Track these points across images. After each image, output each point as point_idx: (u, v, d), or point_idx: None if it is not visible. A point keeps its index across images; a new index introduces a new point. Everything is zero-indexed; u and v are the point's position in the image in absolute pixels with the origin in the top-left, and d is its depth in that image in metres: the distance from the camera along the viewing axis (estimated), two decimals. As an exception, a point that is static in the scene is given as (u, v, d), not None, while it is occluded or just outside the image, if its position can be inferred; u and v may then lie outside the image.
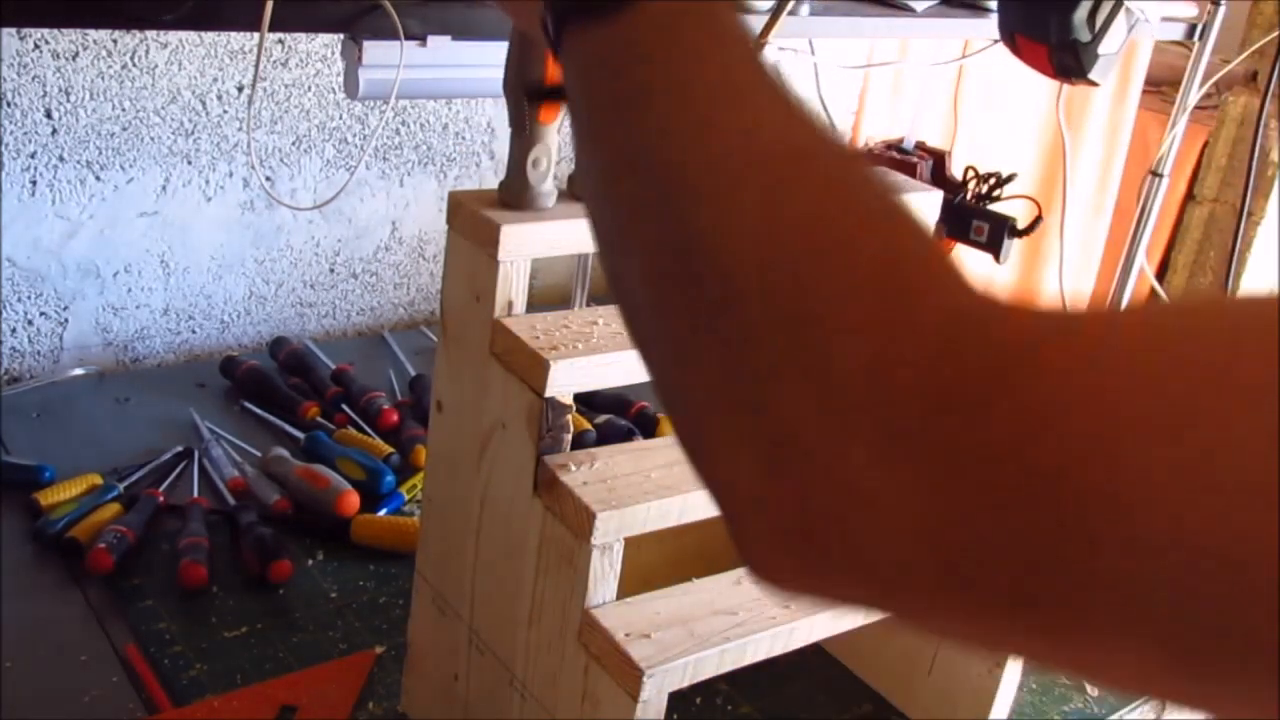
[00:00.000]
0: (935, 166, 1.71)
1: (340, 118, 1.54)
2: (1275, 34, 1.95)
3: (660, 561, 0.88)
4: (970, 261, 2.22)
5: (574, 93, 0.46)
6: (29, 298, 1.40)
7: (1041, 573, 0.31)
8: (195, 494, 1.20)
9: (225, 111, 1.44)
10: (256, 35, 1.06)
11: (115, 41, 1.34)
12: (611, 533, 0.73)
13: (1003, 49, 1.80)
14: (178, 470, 1.24)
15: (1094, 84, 1.23)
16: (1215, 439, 0.29)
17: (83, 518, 1.12)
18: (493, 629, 0.85)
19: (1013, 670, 0.98)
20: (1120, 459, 0.30)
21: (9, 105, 1.30)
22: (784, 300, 0.36)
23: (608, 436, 1.35)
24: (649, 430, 1.40)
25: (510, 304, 0.79)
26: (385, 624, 1.07)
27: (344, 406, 1.39)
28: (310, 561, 1.14)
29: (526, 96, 0.72)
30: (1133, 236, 1.88)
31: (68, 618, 1.02)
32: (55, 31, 1.29)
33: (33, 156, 1.33)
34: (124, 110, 1.37)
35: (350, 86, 1.19)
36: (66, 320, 1.43)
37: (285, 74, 1.47)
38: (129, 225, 1.43)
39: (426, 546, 0.92)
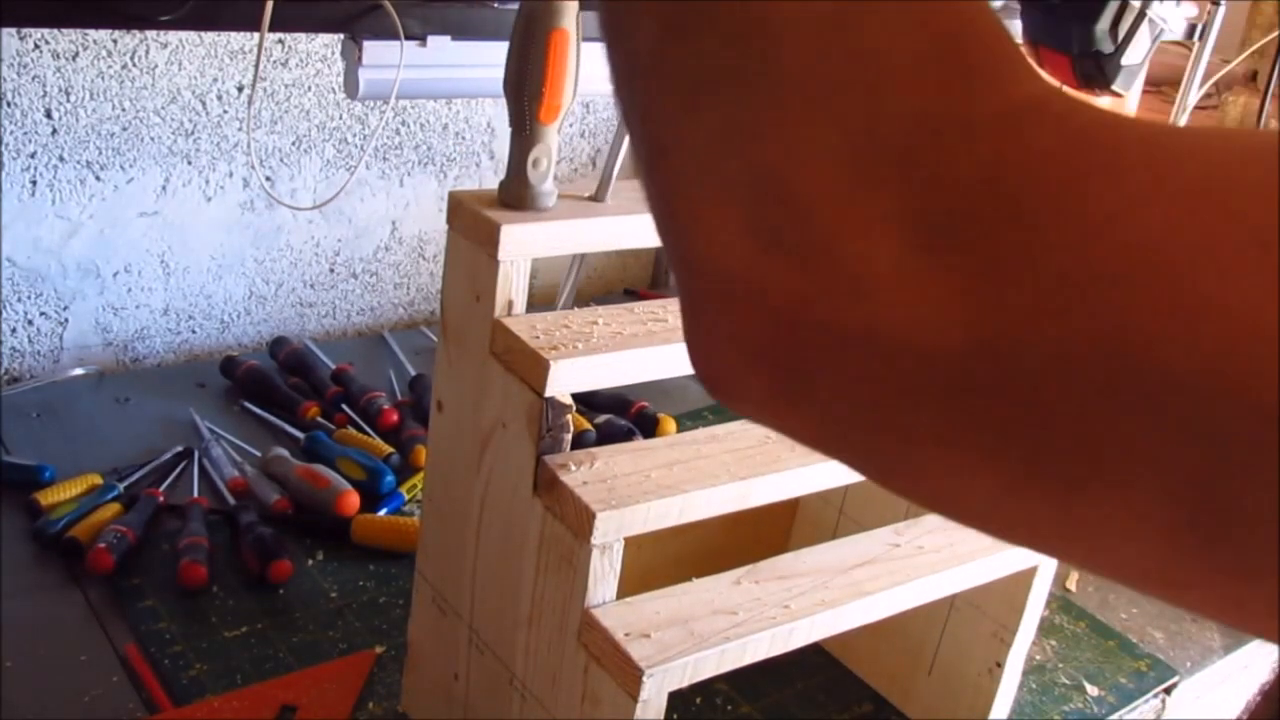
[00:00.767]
0: (935, 166, 1.71)
1: (340, 118, 1.54)
2: (1275, 34, 1.95)
3: (660, 561, 0.88)
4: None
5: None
6: (29, 298, 1.40)
7: (1081, 399, 0.27)
8: (195, 494, 1.20)
9: (225, 111, 1.44)
10: (256, 35, 1.06)
11: (115, 41, 1.34)
12: (611, 533, 0.73)
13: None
14: (178, 470, 1.24)
15: (1118, 95, 1.22)
16: None
17: (83, 518, 1.12)
18: (493, 629, 0.85)
19: (1013, 670, 0.98)
20: (1188, 269, 0.26)
21: (9, 105, 1.30)
22: (827, 53, 0.29)
23: (608, 436, 1.35)
24: (649, 430, 1.40)
25: (510, 304, 0.79)
26: (385, 624, 1.07)
27: (344, 406, 1.39)
28: (310, 561, 1.14)
29: None
30: (1133, 236, 1.87)
31: (68, 618, 1.02)
32: (55, 31, 1.29)
33: (33, 156, 1.33)
34: (124, 110, 1.37)
35: (350, 86, 1.19)
36: (66, 320, 1.43)
37: (285, 74, 1.47)
38: (129, 225, 1.43)
39: (426, 546, 0.92)
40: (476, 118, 1.67)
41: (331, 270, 1.62)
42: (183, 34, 1.37)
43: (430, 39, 1.17)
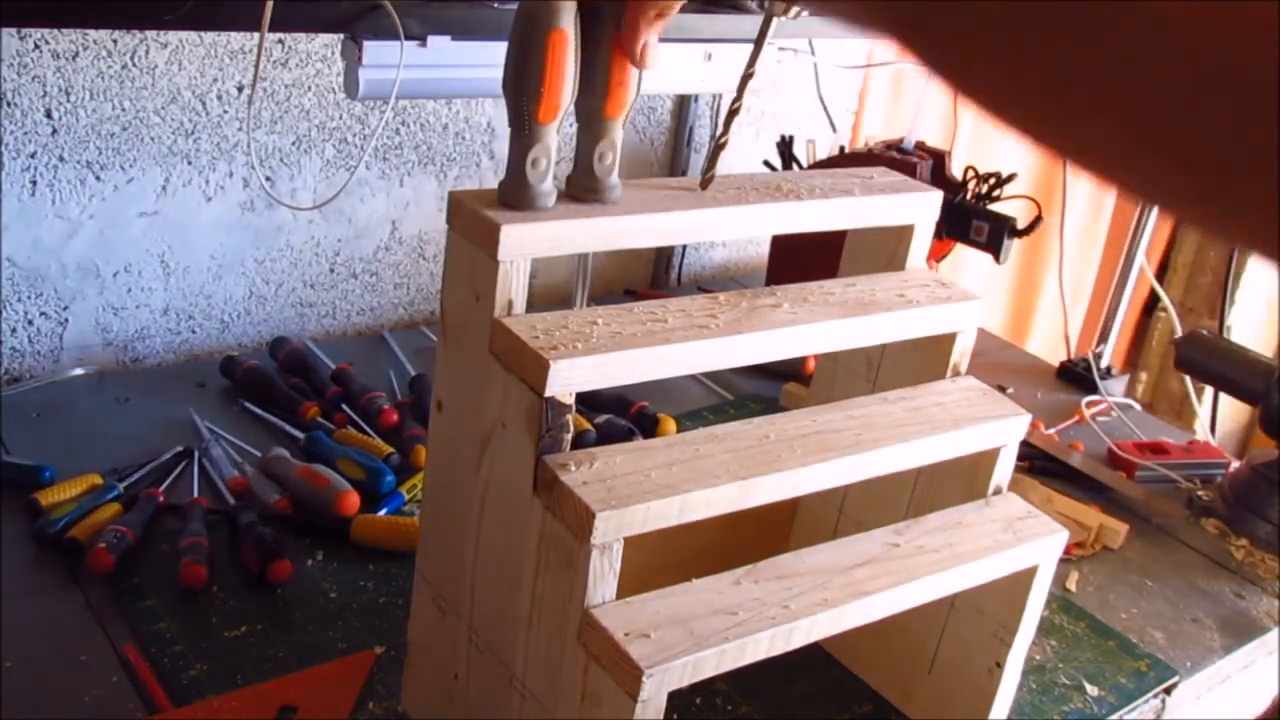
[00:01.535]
0: (935, 166, 1.71)
1: (340, 118, 1.54)
2: (1275, 34, 1.94)
3: (660, 561, 0.88)
4: (970, 261, 2.22)
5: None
6: (29, 298, 1.40)
7: None
8: (195, 494, 1.20)
9: (225, 111, 1.44)
10: (256, 35, 1.06)
11: (115, 41, 1.34)
12: (611, 532, 0.73)
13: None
14: (178, 470, 1.24)
15: None
16: None
17: (83, 518, 1.12)
18: (493, 628, 0.85)
19: (1013, 670, 0.98)
20: None
21: (9, 105, 1.30)
22: None
23: (608, 436, 1.35)
24: (649, 430, 1.40)
25: (510, 304, 0.79)
26: (385, 624, 1.07)
27: (344, 406, 1.39)
28: (310, 561, 1.14)
29: None
30: (1133, 236, 1.88)
31: (68, 618, 1.02)
32: (55, 31, 1.29)
33: (33, 156, 1.33)
34: (124, 110, 1.37)
35: (350, 86, 1.19)
36: (66, 320, 1.43)
37: (285, 74, 1.47)
38: (129, 225, 1.43)
39: (426, 546, 0.92)
40: (476, 118, 1.67)
41: (331, 270, 1.62)
42: (183, 34, 1.37)
43: (430, 39, 1.17)
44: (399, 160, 1.62)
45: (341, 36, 1.19)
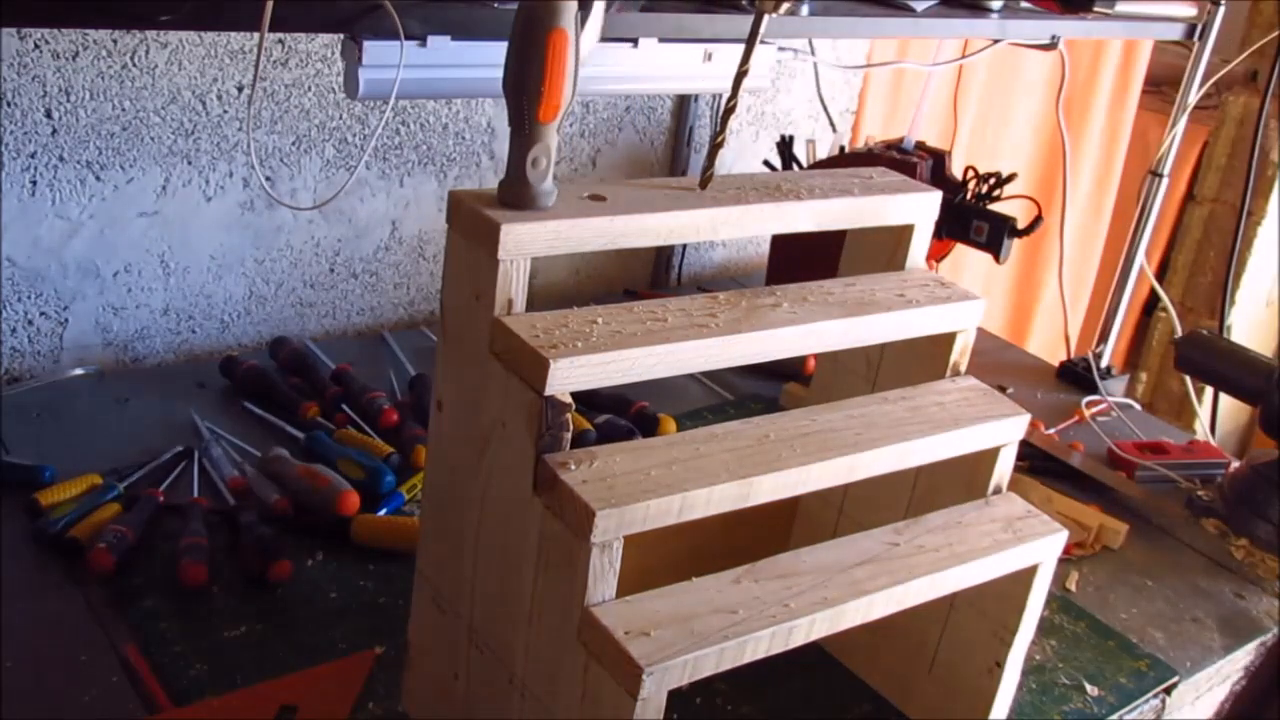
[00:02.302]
0: (935, 166, 1.71)
1: (340, 118, 1.54)
2: (1275, 34, 1.95)
3: (660, 561, 0.88)
4: (970, 261, 2.22)
5: None
6: (29, 298, 1.40)
7: None
8: (195, 494, 1.20)
9: (225, 111, 1.45)
10: (256, 35, 1.06)
11: (115, 41, 1.34)
12: (611, 531, 0.73)
13: (1002, 49, 1.80)
14: (178, 470, 1.24)
15: (1105, 13, 1.24)
16: None
17: (83, 518, 1.12)
18: (492, 628, 0.85)
19: (1013, 670, 0.98)
20: None
21: (9, 105, 1.30)
22: None
23: (608, 436, 1.36)
24: (649, 430, 1.40)
25: (510, 303, 0.79)
26: (385, 624, 1.07)
27: (344, 406, 1.39)
28: (310, 561, 1.14)
29: None
30: (1132, 236, 1.88)
31: (68, 618, 1.02)
32: (55, 31, 1.29)
33: (33, 156, 1.33)
34: (124, 110, 1.37)
35: (350, 86, 1.19)
36: (66, 320, 1.43)
37: (285, 74, 1.47)
38: (129, 225, 1.43)
39: (426, 546, 0.92)
40: (476, 118, 1.67)
41: (331, 270, 1.62)
42: (183, 34, 1.37)
43: (430, 39, 1.17)
44: (399, 160, 1.62)
45: (341, 36, 1.19)
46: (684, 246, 2.00)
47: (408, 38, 1.15)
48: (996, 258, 1.64)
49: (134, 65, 1.36)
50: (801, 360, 1.57)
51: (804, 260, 1.19)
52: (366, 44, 1.15)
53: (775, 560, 0.83)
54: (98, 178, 1.38)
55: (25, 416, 1.30)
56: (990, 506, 0.95)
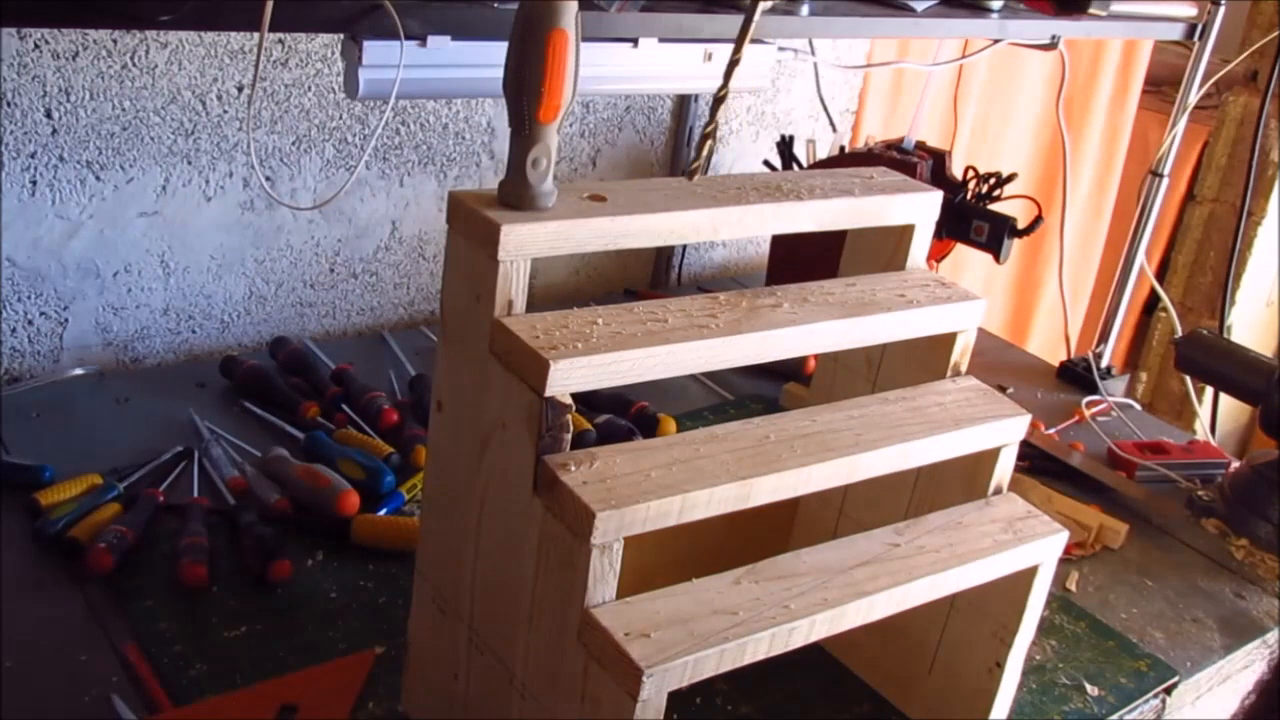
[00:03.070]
0: (935, 166, 1.71)
1: (340, 118, 1.54)
2: (1275, 34, 1.95)
3: (660, 561, 0.88)
4: (970, 261, 2.22)
5: None
6: (29, 298, 1.40)
7: None
8: (195, 494, 1.20)
9: (225, 111, 1.45)
10: (256, 35, 1.06)
11: (115, 41, 1.34)
12: (611, 532, 0.73)
13: (1002, 49, 1.80)
14: (178, 470, 1.24)
15: (1098, 15, 1.24)
16: None
17: (83, 518, 1.12)
18: (493, 629, 0.85)
19: (1013, 670, 0.98)
20: None
21: (9, 105, 1.30)
22: None
23: (608, 436, 1.35)
24: (649, 430, 1.40)
25: (510, 303, 0.79)
26: (385, 624, 1.07)
27: (344, 406, 1.39)
28: (310, 561, 1.14)
29: None
30: (1133, 236, 1.88)
31: (68, 618, 1.02)
32: (55, 31, 1.29)
33: (33, 156, 1.33)
34: (124, 110, 1.37)
35: (350, 86, 1.19)
36: (66, 320, 1.43)
37: (285, 74, 1.47)
38: (129, 225, 1.43)
39: (426, 546, 0.92)
40: (476, 118, 1.67)
41: (331, 270, 1.62)
42: (183, 34, 1.37)
43: (430, 39, 1.17)
44: (399, 160, 1.62)
45: (341, 36, 1.19)
46: (684, 246, 2.00)
47: (408, 38, 1.15)
48: (996, 258, 1.64)
49: (134, 65, 1.36)
50: (802, 360, 1.57)
51: (804, 260, 1.19)
52: (366, 44, 1.15)
53: (775, 561, 0.83)
54: (98, 178, 1.38)
55: (25, 416, 1.30)
56: (990, 507, 0.95)
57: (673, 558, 0.90)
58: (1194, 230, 2.60)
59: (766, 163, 1.84)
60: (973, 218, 1.64)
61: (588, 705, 0.76)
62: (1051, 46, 1.77)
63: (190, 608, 1.05)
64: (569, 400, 0.77)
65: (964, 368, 0.98)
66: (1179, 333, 1.84)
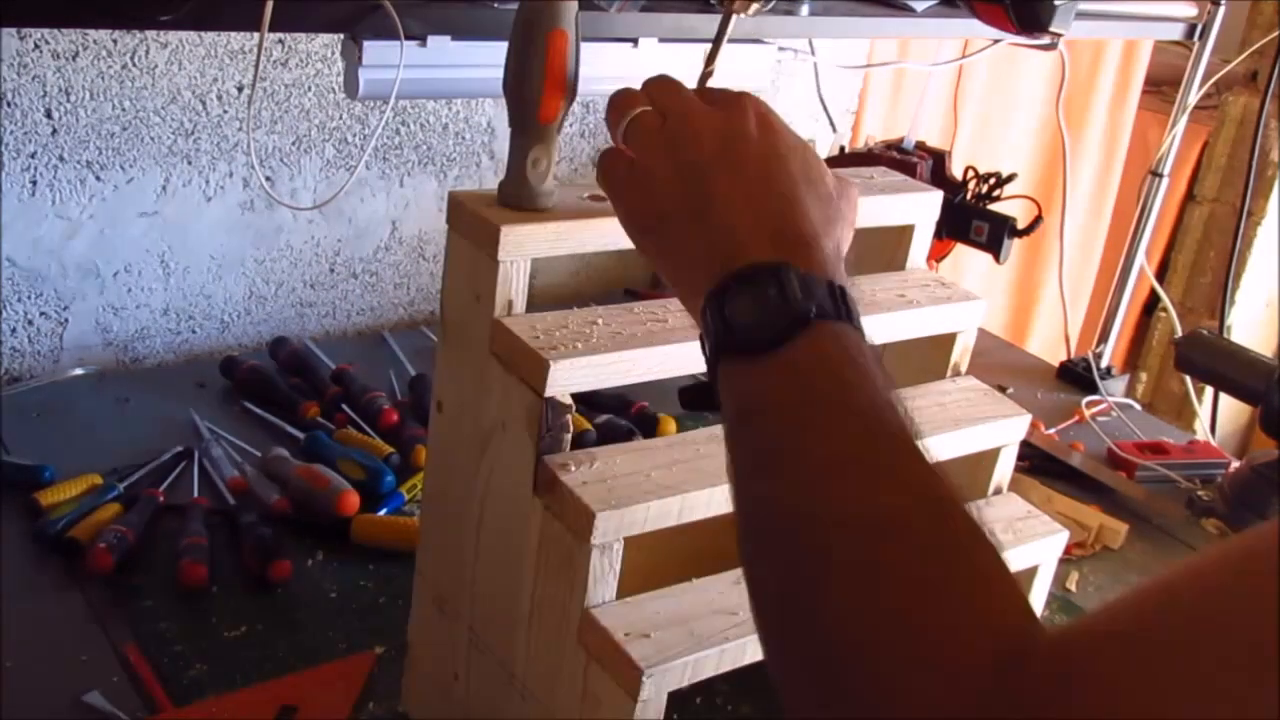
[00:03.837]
0: (935, 166, 1.71)
1: (340, 118, 1.54)
2: (1275, 34, 1.95)
3: (660, 561, 0.88)
4: (970, 261, 2.22)
5: (724, 412, 0.58)
6: (29, 298, 1.40)
7: None
8: (195, 494, 1.20)
9: (225, 111, 1.44)
10: (256, 35, 1.06)
11: (115, 41, 1.34)
12: (611, 532, 0.73)
13: (1002, 49, 1.80)
14: (178, 470, 1.24)
15: (1057, 35, 1.24)
16: None
17: (83, 518, 1.12)
18: (493, 629, 0.85)
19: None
20: None
21: (9, 105, 1.30)
22: (867, 651, 0.46)
23: (608, 436, 1.35)
24: (649, 430, 1.40)
25: (510, 304, 0.79)
26: (385, 624, 1.07)
27: (344, 406, 1.39)
28: (310, 561, 1.14)
29: (684, 395, 0.72)
30: (1133, 236, 1.88)
31: (68, 618, 1.02)
32: (55, 31, 1.29)
33: (33, 156, 1.33)
34: (124, 110, 1.37)
35: (350, 86, 1.19)
36: (66, 320, 1.43)
37: (285, 74, 1.47)
38: (129, 225, 1.43)
39: (426, 546, 0.92)
40: (476, 118, 1.67)
41: (331, 270, 1.62)
42: (183, 34, 1.37)
43: (430, 39, 1.17)
44: (399, 160, 1.62)
45: (341, 36, 1.19)
46: (684, 246, 2.00)
47: (408, 38, 1.15)
48: (996, 258, 1.64)
49: (134, 65, 1.36)
50: (801, 360, 1.56)
51: (804, 260, 1.19)
52: (366, 44, 1.15)
53: (775, 561, 0.83)
54: (98, 178, 1.38)
55: (25, 416, 1.30)
56: (990, 507, 0.95)
57: (673, 559, 0.90)
58: (1194, 230, 2.60)
59: (766, 163, 1.84)
60: (973, 218, 1.64)
61: (588, 705, 0.76)
62: (1051, 46, 1.77)
63: (190, 608, 1.05)
64: (569, 400, 0.77)
65: (964, 368, 0.98)
66: (1179, 333, 1.84)
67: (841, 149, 1.88)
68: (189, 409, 1.36)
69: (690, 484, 0.77)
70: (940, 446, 0.89)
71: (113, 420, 1.34)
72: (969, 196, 1.66)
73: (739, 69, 1.53)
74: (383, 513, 1.20)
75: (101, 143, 1.37)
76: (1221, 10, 1.77)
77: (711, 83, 0.85)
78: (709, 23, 1.30)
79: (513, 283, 0.79)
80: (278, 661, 1.01)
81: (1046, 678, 0.41)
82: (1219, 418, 2.16)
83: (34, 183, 1.34)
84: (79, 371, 1.43)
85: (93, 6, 0.99)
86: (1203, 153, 2.59)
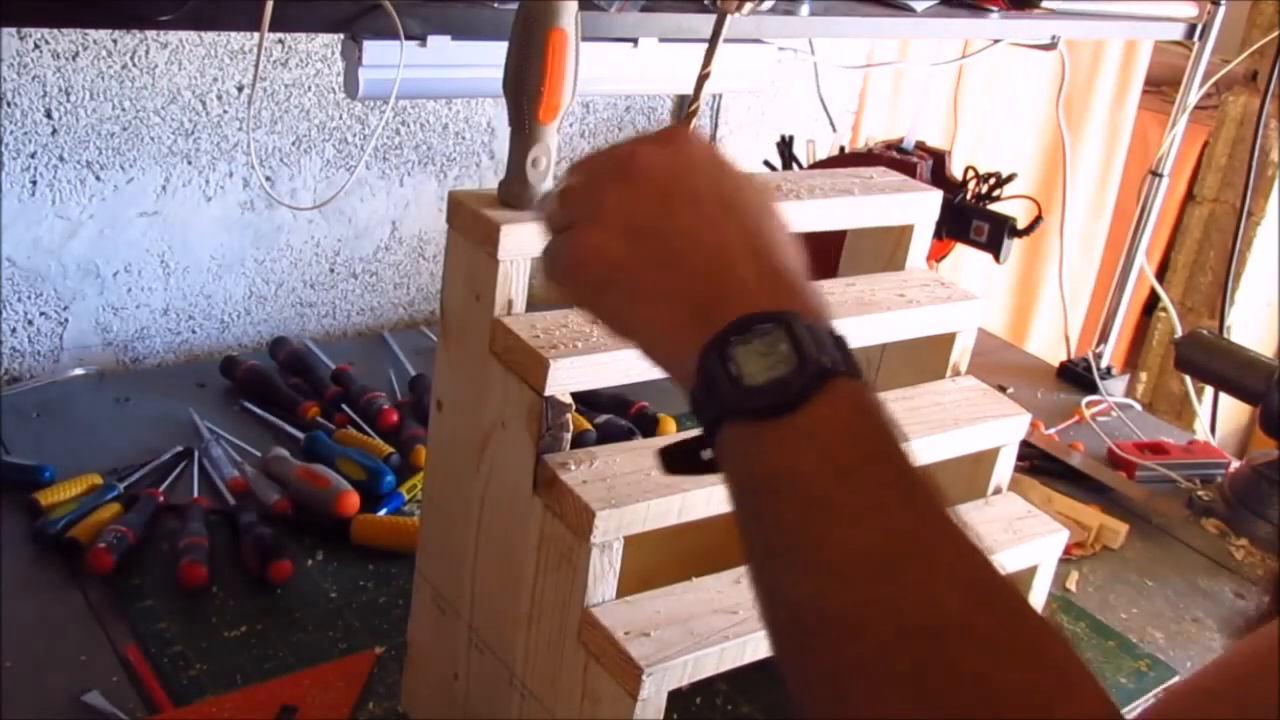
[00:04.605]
0: (935, 166, 1.71)
1: (340, 118, 1.54)
2: (1275, 34, 1.95)
3: (660, 561, 0.88)
4: (970, 261, 2.23)
5: (729, 480, 0.52)
6: (29, 298, 1.40)
7: None
8: (195, 494, 1.20)
9: (225, 111, 1.45)
10: (256, 35, 1.06)
11: (115, 41, 1.34)
12: (611, 531, 0.73)
13: (1002, 49, 1.80)
14: (178, 470, 1.24)
15: (1051, 13, 1.25)
16: None
17: (83, 518, 1.12)
18: (493, 628, 0.85)
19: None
20: None
21: (9, 105, 1.30)
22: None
23: (608, 436, 1.35)
24: (649, 430, 1.40)
25: (510, 303, 0.79)
26: (385, 624, 1.07)
27: (344, 406, 1.39)
28: (310, 561, 1.14)
29: (665, 457, 0.60)
30: (1133, 236, 1.88)
31: (68, 618, 1.02)
32: (55, 31, 1.29)
33: (33, 156, 1.33)
34: (124, 110, 1.37)
35: (350, 86, 1.19)
36: (66, 320, 1.43)
37: (285, 74, 1.47)
38: (129, 225, 1.43)
39: (426, 546, 0.92)
40: (476, 118, 1.67)
41: (331, 270, 1.62)
42: (183, 34, 1.37)
43: (430, 39, 1.17)
44: (399, 160, 1.62)
45: (341, 36, 1.19)
46: (684, 246, 2.00)
47: (408, 38, 1.15)
48: (996, 258, 1.64)
49: (134, 65, 1.36)
50: (801, 360, 1.56)
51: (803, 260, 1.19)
52: (366, 44, 1.16)
53: (775, 560, 0.83)
54: (98, 178, 1.38)
55: (25, 416, 1.30)
56: (990, 506, 0.95)
57: (673, 558, 0.90)
58: (1194, 230, 2.60)
59: (766, 163, 1.84)
60: (973, 218, 1.64)
61: (588, 705, 0.76)
62: (1051, 46, 1.77)
63: (190, 608, 1.05)
64: (569, 399, 0.77)
65: (964, 368, 0.98)
66: (1179, 333, 1.84)
67: (841, 149, 1.88)
68: (189, 409, 1.36)
69: (690, 483, 0.77)
70: (940, 446, 0.90)
71: (113, 420, 1.34)
72: (969, 196, 1.66)
73: (739, 69, 1.53)
74: (383, 513, 1.20)
75: (101, 143, 1.37)
76: (1221, 10, 1.77)
77: (709, 84, 0.85)
78: (708, 23, 1.30)
79: (513, 282, 0.79)
80: (278, 661, 1.01)
81: None
82: (1219, 418, 2.16)
83: (34, 183, 1.35)
84: (79, 371, 1.43)
85: (93, 6, 0.99)
86: (1203, 153, 2.59)
